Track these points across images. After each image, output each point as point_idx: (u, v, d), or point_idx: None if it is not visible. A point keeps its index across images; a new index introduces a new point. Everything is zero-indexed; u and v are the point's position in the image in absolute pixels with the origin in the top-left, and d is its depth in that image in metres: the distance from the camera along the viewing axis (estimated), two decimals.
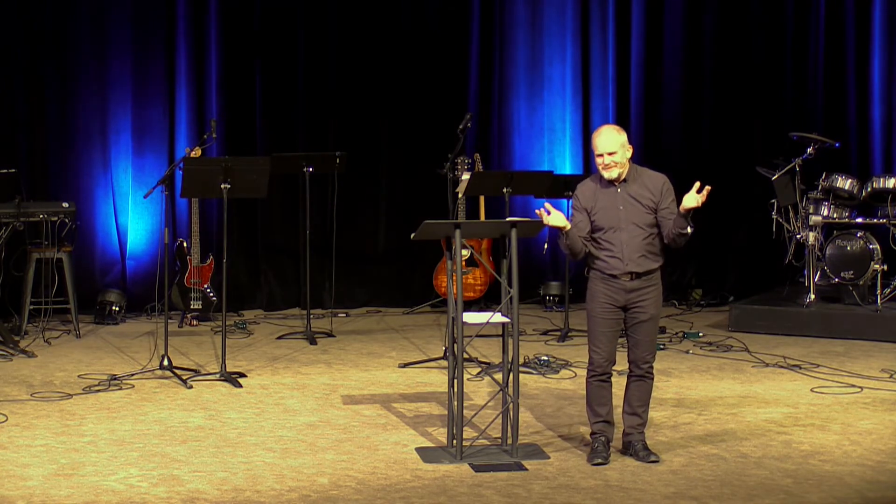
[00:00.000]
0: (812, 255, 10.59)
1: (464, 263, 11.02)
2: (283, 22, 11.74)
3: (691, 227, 6.64)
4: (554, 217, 6.66)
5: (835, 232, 10.76)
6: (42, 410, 7.79)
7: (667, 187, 6.73)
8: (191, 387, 8.48)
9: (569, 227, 6.67)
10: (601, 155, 6.66)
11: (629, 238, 6.67)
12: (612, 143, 6.64)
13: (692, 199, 6.57)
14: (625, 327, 6.79)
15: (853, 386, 8.50)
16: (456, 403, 6.79)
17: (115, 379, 8.61)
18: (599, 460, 6.68)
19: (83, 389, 8.35)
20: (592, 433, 6.82)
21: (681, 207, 6.60)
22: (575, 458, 6.76)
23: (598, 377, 6.77)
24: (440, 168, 9.84)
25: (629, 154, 6.71)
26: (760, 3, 12.28)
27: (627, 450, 6.84)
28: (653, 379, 6.86)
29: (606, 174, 6.69)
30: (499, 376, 7.43)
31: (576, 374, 8.85)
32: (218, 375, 8.71)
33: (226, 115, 11.57)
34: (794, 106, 12.30)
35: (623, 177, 6.71)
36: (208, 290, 10.94)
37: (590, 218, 6.74)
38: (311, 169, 10.32)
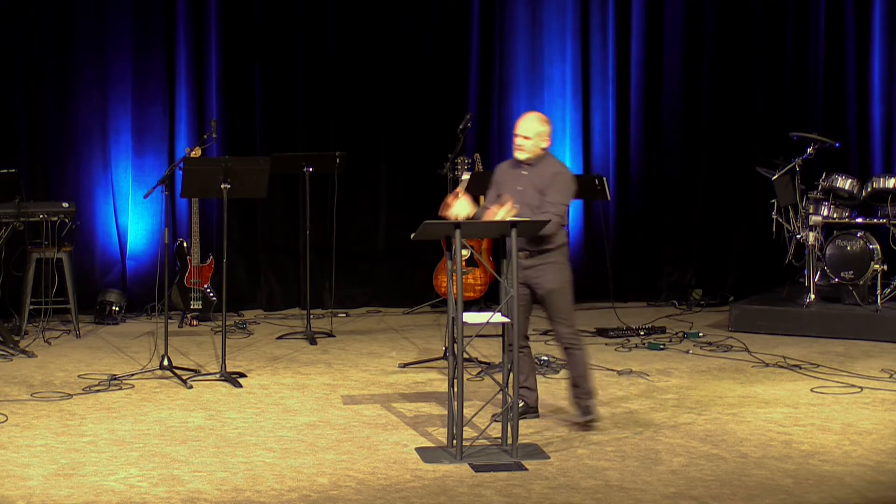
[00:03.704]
0: (812, 255, 10.59)
1: (464, 263, 11.02)
2: (283, 22, 11.73)
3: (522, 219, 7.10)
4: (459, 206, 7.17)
5: (835, 232, 10.76)
6: (42, 410, 7.79)
7: (554, 177, 7.25)
8: (191, 387, 8.49)
9: (472, 213, 7.19)
10: (517, 136, 7.30)
11: (521, 216, 7.13)
12: (528, 129, 7.29)
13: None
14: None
15: (853, 386, 8.50)
16: (456, 403, 6.80)
17: (115, 379, 8.61)
18: (498, 417, 7.06)
19: (83, 389, 8.35)
20: None
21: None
22: (575, 459, 6.76)
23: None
24: (440, 168, 9.83)
25: (543, 145, 7.33)
26: (760, 3, 12.28)
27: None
28: (581, 350, 7.32)
29: (515, 153, 7.34)
30: (499, 376, 7.43)
31: None
32: (218, 375, 8.71)
33: (226, 115, 11.56)
34: (794, 106, 12.30)
35: (532, 162, 7.26)
36: (208, 290, 10.93)
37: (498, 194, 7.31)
38: (311, 169, 10.32)
